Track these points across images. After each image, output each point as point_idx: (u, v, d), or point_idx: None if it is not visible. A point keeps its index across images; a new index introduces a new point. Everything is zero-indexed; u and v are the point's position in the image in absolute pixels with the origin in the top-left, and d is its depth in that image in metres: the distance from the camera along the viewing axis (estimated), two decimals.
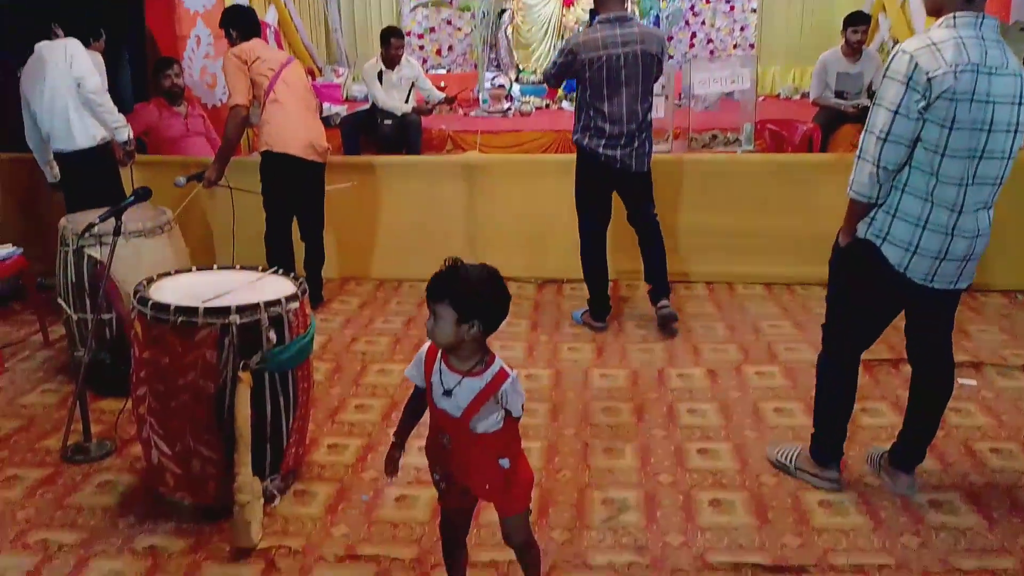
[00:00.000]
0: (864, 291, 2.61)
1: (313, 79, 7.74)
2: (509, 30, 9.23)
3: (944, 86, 2.29)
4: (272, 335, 2.59)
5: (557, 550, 2.52)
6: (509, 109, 7.74)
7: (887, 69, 2.39)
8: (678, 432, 3.25)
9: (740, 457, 3.06)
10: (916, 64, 2.31)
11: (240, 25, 4.38)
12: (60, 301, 3.68)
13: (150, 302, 2.57)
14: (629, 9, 4.06)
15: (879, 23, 8.23)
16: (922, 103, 2.32)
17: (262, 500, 2.63)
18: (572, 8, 9.10)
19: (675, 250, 4.93)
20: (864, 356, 2.77)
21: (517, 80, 8.97)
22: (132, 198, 3.09)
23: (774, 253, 4.90)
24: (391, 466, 2.18)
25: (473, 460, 2.04)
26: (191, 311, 2.52)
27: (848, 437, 2.88)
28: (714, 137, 5.73)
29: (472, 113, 7.70)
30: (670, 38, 10.05)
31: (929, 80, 2.30)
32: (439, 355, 2.01)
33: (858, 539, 2.57)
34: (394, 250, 5.17)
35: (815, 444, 2.87)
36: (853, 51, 6.18)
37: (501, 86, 8.34)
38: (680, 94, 6.00)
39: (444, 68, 9.82)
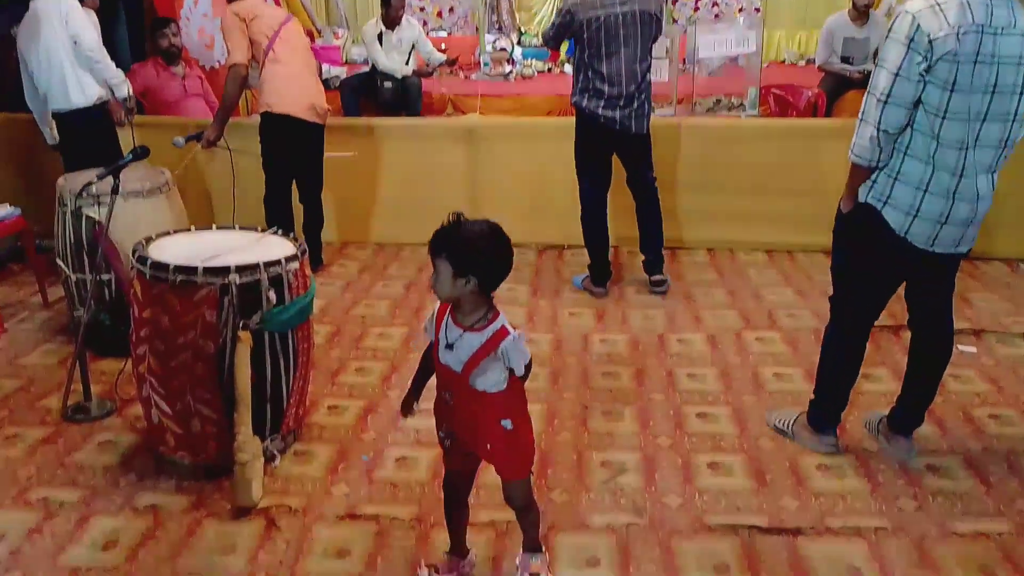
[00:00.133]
0: (866, 257, 2.60)
1: (312, 41, 7.63)
2: None
3: (946, 48, 2.25)
4: (272, 295, 2.57)
5: (556, 511, 2.54)
6: (511, 72, 7.65)
7: (889, 30, 2.35)
8: (677, 396, 3.26)
9: (739, 421, 3.07)
10: (918, 25, 2.27)
11: None
12: (59, 262, 3.67)
13: (149, 261, 2.56)
14: None
15: None
16: (923, 65, 2.28)
17: (262, 459, 2.64)
18: None
19: (676, 216, 4.91)
20: None
21: (519, 43, 8.86)
22: (130, 156, 3.06)
23: (776, 220, 4.88)
24: (406, 408, 2.20)
25: (474, 418, 2.05)
26: (190, 270, 2.50)
27: (848, 403, 2.88)
28: (718, 102, 5.66)
29: (473, 76, 7.62)
30: (674, 1, 9.92)
31: (931, 42, 2.26)
32: (448, 310, 2.02)
33: (855, 502, 2.58)
34: (394, 214, 5.14)
35: (814, 410, 2.88)
36: (860, 15, 6.09)
37: (503, 49, 8.24)
38: (684, 59, 5.93)
39: (445, 31, 9.70)
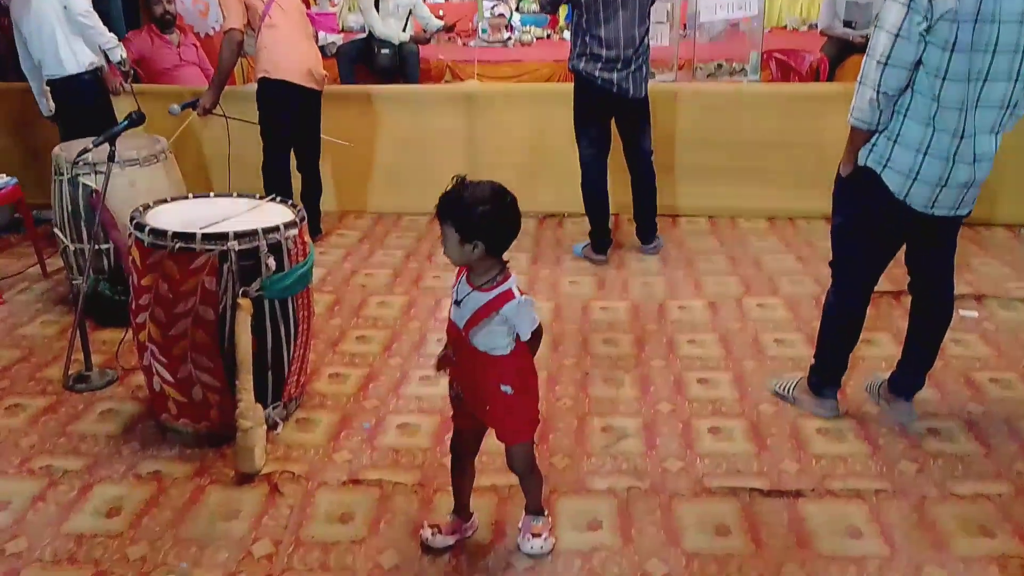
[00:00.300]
0: (865, 220, 2.58)
1: (308, 7, 7.53)
2: None
3: (946, 7, 2.22)
4: (271, 262, 2.56)
5: (557, 475, 2.55)
6: (509, 39, 7.56)
7: None
8: (678, 362, 3.26)
9: (740, 386, 3.07)
10: None
11: None
12: (56, 231, 3.65)
13: (147, 228, 2.54)
14: None
15: None
16: (923, 25, 2.25)
17: (264, 427, 2.64)
18: None
19: (677, 183, 4.89)
20: None
21: (517, 9, 8.73)
22: (126, 122, 3.03)
23: (778, 186, 4.85)
24: (440, 364, 2.19)
25: (475, 377, 2.06)
26: (189, 237, 2.49)
27: (848, 367, 2.88)
28: (719, 67, 5.59)
29: (471, 43, 7.52)
30: None
31: (931, 1, 2.22)
32: (466, 269, 2.03)
33: (855, 465, 2.60)
34: (392, 183, 5.11)
35: (815, 374, 2.88)
36: None
37: (501, 15, 8.12)
38: (685, 23, 5.85)
39: None
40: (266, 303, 2.63)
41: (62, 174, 3.52)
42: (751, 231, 4.75)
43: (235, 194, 3.00)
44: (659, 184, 4.35)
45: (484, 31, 7.52)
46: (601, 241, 4.30)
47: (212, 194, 3.04)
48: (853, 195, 2.57)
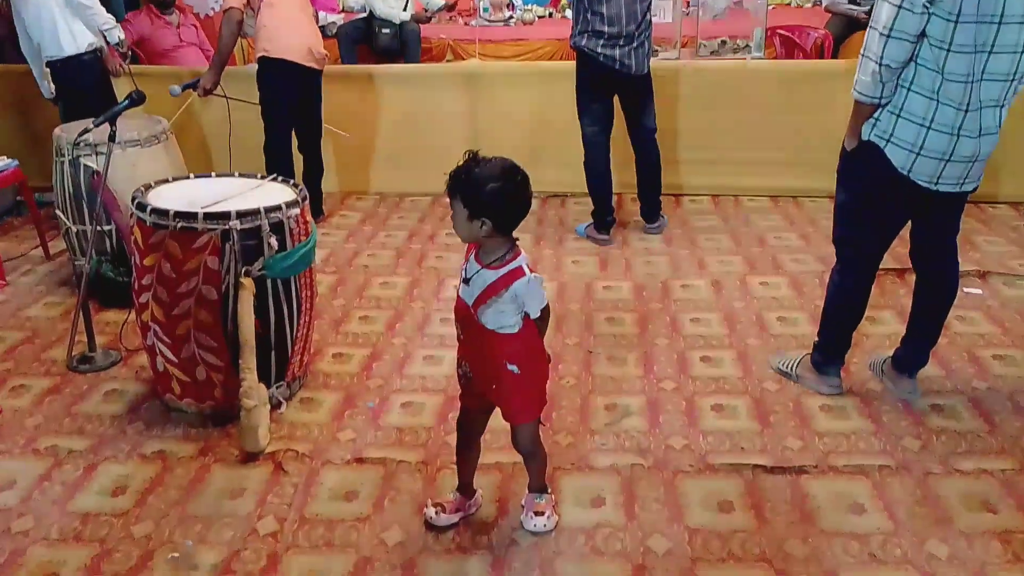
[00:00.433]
0: (870, 196, 2.57)
1: None
2: None
3: None
4: (273, 241, 2.56)
5: (561, 453, 2.55)
6: (511, 18, 7.50)
7: None
8: (681, 341, 3.25)
9: (743, 364, 3.07)
10: None
11: None
12: (58, 213, 3.65)
13: (149, 208, 2.53)
14: None
15: None
16: None
17: (268, 406, 2.65)
18: None
19: (680, 162, 4.86)
20: None
21: None
22: (126, 101, 3.01)
23: (782, 165, 4.82)
24: None
25: (482, 356, 2.05)
26: (191, 216, 2.48)
27: (851, 345, 2.88)
28: (723, 44, 5.54)
29: (472, 22, 7.47)
30: None
31: None
32: (475, 246, 2.02)
33: (859, 442, 2.60)
34: (394, 163, 5.09)
35: (818, 352, 2.87)
36: None
37: None
38: (688, 0, 5.80)
39: None
40: (269, 283, 2.63)
41: (63, 155, 3.51)
42: (754, 210, 4.73)
43: (236, 174, 2.99)
44: (662, 162, 4.33)
45: (486, 10, 7.47)
46: (604, 220, 4.28)
47: (213, 174, 3.03)
48: (857, 171, 2.56)
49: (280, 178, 2.92)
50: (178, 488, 2.44)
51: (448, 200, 1.92)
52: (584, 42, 3.95)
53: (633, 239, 4.34)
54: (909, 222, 2.68)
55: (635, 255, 4.13)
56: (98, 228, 3.36)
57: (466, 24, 7.43)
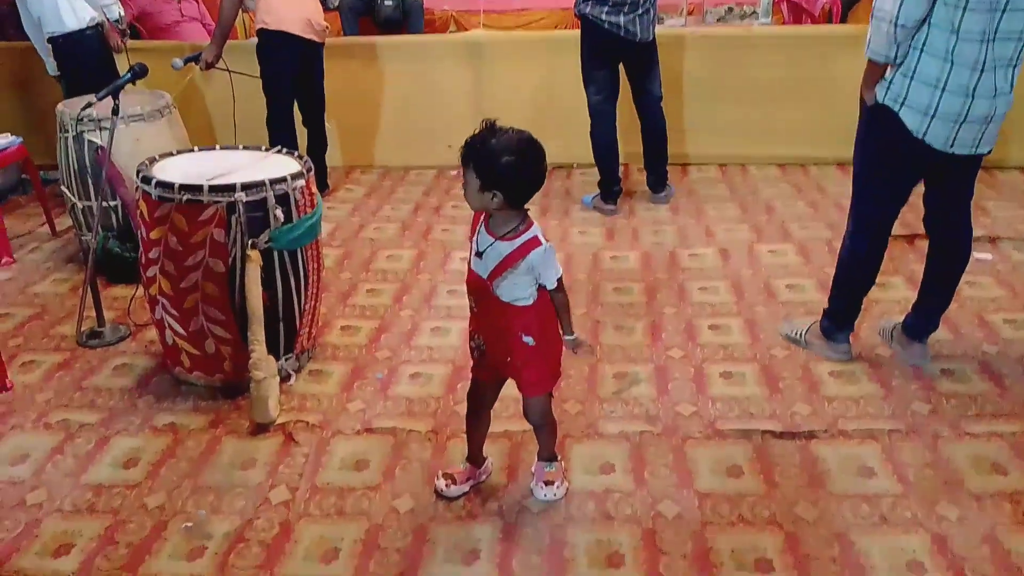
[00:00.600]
0: (884, 160, 2.54)
1: None
2: None
3: None
4: (279, 213, 2.55)
5: (570, 421, 2.56)
6: None
7: None
8: (689, 309, 3.25)
9: (751, 332, 3.06)
10: None
11: None
12: (63, 189, 3.64)
13: (154, 181, 2.53)
14: None
15: None
16: None
17: (278, 378, 2.66)
18: None
19: (687, 130, 4.82)
20: None
21: None
22: (128, 75, 3.00)
23: (789, 132, 4.78)
24: None
25: (497, 328, 2.04)
26: (196, 189, 2.47)
27: (861, 310, 2.87)
28: (730, 10, 5.48)
29: None
30: None
31: None
32: (483, 217, 1.99)
33: (868, 406, 2.59)
34: (398, 137, 5.07)
35: (828, 318, 2.86)
36: None
37: None
38: None
39: None
40: (275, 255, 2.63)
41: (67, 131, 3.50)
42: (762, 178, 4.70)
43: (241, 147, 2.98)
44: (668, 132, 4.29)
45: None
46: (611, 190, 4.26)
47: (218, 147, 3.01)
48: (872, 135, 2.53)
49: (285, 150, 2.91)
50: (190, 460, 2.45)
51: (461, 168, 1.90)
52: (588, 9, 3.91)
53: (640, 209, 4.32)
54: (923, 187, 2.65)
55: (642, 225, 4.12)
56: (104, 203, 3.36)
57: None
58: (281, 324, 2.74)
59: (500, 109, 4.79)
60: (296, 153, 2.89)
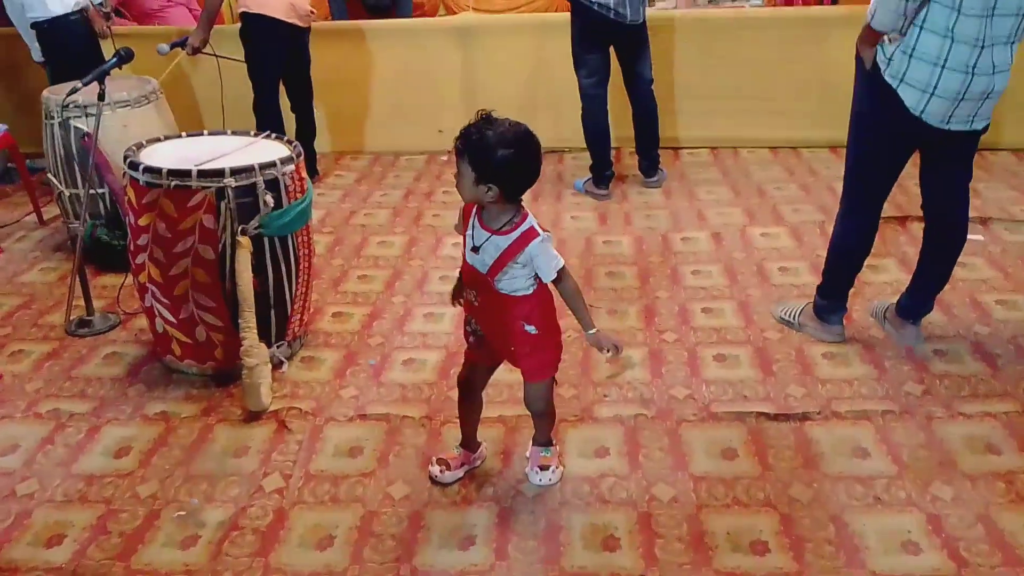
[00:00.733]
0: (880, 136, 2.53)
1: None
2: None
3: None
4: (269, 199, 2.52)
5: (564, 405, 2.55)
6: None
7: None
8: (683, 293, 3.24)
9: (745, 315, 3.06)
10: None
11: None
12: (50, 177, 3.60)
13: (141, 166, 2.49)
14: None
15: None
16: None
17: (270, 365, 2.64)
18: None
19: (678, 114, 4.80)
20: None
21: None
22: (114, 59, 2.95)
23: (781, 114, 4.77)
24: (454, 295, 2.17)
25: (499, 320, 2.03)
26: (184, 174, 2.45)
27: (853, 293, 2.87)
28: None
29: None
30: None
31: None
32: (475, 209, 1.96)
33: (862, 388, 2.60)
34: (388, 122, 5.03)
35: (821, 296, 2.86)
36: None
37: None
38: None
39: None
40: (266, 241, 2.60)
41: (53, 118, 3.46)
42: (754, 161, 4.69)
43: (229, 132, 2.95)
44: (660, 115, 4.27)
45: None
46: (603, 175, 4.24)
47: (206, 132, 2.98)
48: (869, 111, 2.52)
49: (274, 135, 2.88)
50: (182, 448, 2.44)
51: (455, 158, 1.87)
52: None
53: (632, 193, 4.30)
54: (919, 170, 2.64)
55: (634, 209, 4.10)
56: (91, 191, 3.32)
57: None
58: (272, 311, 2.72)
59: (491, 93, 4.83)
60: (285, 138, 2.86)
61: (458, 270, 2.16)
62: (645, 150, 4.32)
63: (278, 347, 2.79)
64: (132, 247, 2.66)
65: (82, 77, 3.03)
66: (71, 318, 3.13)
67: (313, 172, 4.58)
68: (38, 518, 2.18)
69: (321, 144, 4.74)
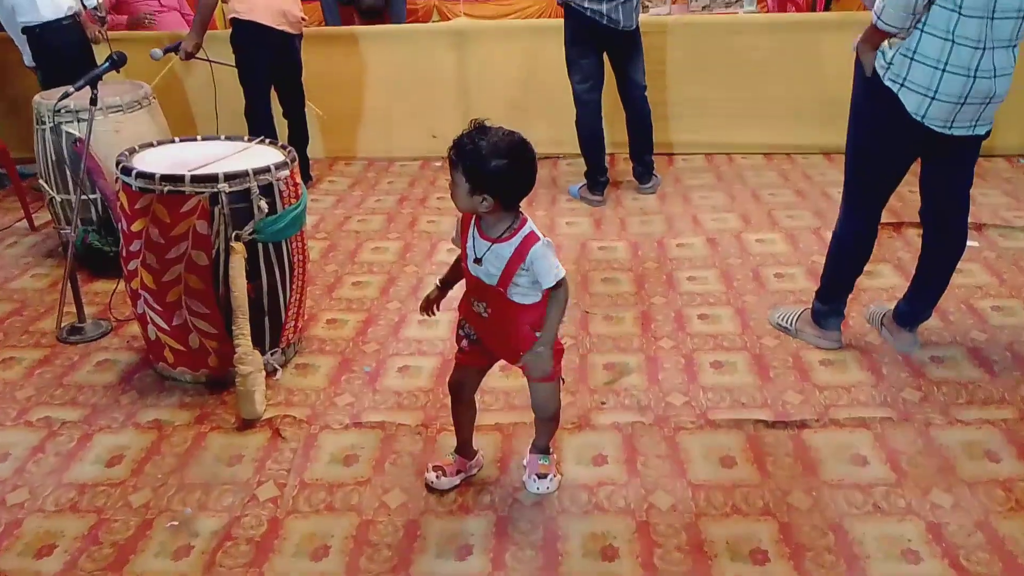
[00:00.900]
0: (880, 140, 2.51)
1: None
2: None
3: None
4: (263, 204, 2.50)
5: (562, 412, 2.52)
6: None
7: None
8: (678, 298, 3.23)
9: (741, 320, 3.05)
10: None
11: None
12: (41, 182, 3.57)
13: (134, 171, 2.47)
14: None
15: None
16: None
17: (264, 372, 2.61)
18: None
19: (671, 119, 4.81)
20: None
21: None
22: (107, 64, 2.93)
23: (775, 120, 4.78)
24: (426, 304, 2.15)
25: (506, 329, 2.01)
26: (177, 179, 2.42)
27: (850, 298, 2.85)
28: None
29: None
30: None
31: None
32: (473, 219, 1.94)
33: (859, 394, 2.59)
34: (382, 127, 5.02)
35: (819, 300, 2.85)
36: None
37: None
38: None
39: None
40: (260, 247, 2.58)
41: (44, 123, 3.42)
42: (748, 167, 4.69)
43: (223, 137, 2.93)
44: (654, 121, 4.27)
45: None
46: (597, 181, 4.23)
47: (199, 137, 2.96)
48: (869, 115, 2.51)
49: (268, 140, 2.86)
50: (175, 456, 2.41)
51: (449, 168, 1.85)
52: None
53: (627, 199, 4.30)
54: (919, 177, 2.63)
55: (629, 214, 4.10)
56: (83, 197, 3.30)
57: None
58: (266, 317, 2.70)
59: (485, 99, 4.82)
60: (280, 143, 2.84)
61: (437, 279, 2.15)
62: (639, 155, 4.32)
63: (272, 354, 2.77)
64: (124, 253, 2.63)
65: (74, 82, 3.01)
66: (63, 325, 3.09)
67: (307, 178, 4.56)
68: (29, 527, 2.15)
69: (315, 149, 4.72)
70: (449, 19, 6.14)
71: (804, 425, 2.45)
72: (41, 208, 4.06)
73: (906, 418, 2.46)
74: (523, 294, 1.95)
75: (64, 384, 2.79)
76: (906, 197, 2.63)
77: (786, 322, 2.95)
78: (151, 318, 2.66)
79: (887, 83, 2.40)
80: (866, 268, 2.82)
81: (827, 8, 5.83)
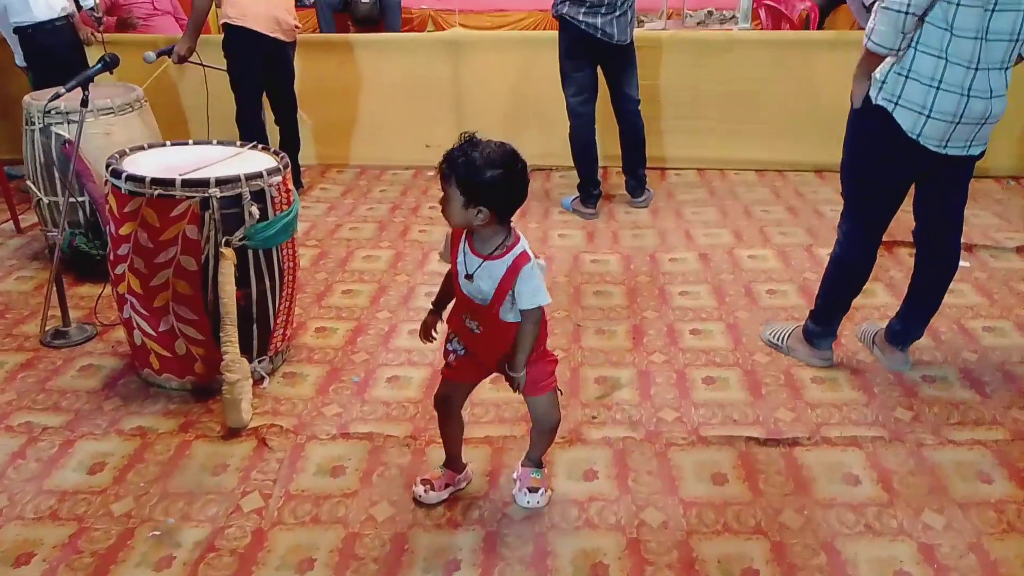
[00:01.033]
0: (877, 161, 2.51)
1: None
2: None
3: None
4: (255, 210, 2.47)
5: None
6: None
7: None
8: (671, 313, 3.22)
9: (733, 336, 3.04)
10: None
11: None
12: (29, 184, 3.53)
13: (124, 174, 2.44)
14: None
15: None
16: None
17: (251, 380, 2.58)
18: None
19: (665, 134, 4.81)
20: None
21: None
22: (99, 65, 2.90)
23: (767, 137, 4.79)
24: (424, 331, 2.12)
25: (499, 347, 1.98)
26: (168, 183, 2.39)
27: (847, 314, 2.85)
28: (709, 14, 5.49)
29: None
30: None
31: None
32: (464, 235, 1.92)
33: (851, 413, 2.57)
34: (375, 135, 5.00)
35: (813, 322, 2.84)
36: None
37: None
38: None
39: None
40: (250, 253, 2.55)
41: (33, 124, 3.39)
42: (740, 183, 4.70)
43: (215, 141, 2.90)
44: (647, 135, 4.27)
45: None
46: (591, 193, 4.23)
47: (191, 141, 2.93)
48: (864, 135, 2.51)
49: (260, 146, 2.84)
50: (159, 464, 2.37)
51: (440, 183, 1.83)
52: (566, 10, 3.89)
53: (619, 212, 4.29)
54: (913, 198, 2.63)
55: (622, 228, 4.09)
56: (71, 199, 3.26)
57: None
58: (255, 324, 2.67)
59: (478, 109, 4.81)
60: (272, 149, 2.81)
61: (431, 302, 2.12)
62: (632, 169, 4.32)
63: (260, 362, 2.73)
64: (112, 257, 2.59)
65: (65, 83, 2.98)
66: (47, 328, 3.05)
67: (298, 184, 4.53)
68: (7, 535, 2.10)
69: (307, 156, 4.70)
70: (444, 29, 6.14)
71: (796, 443, 2.43)
72: (28, 210, 4.01)
73: (898, 437, 2.45)
74: (515, 315, 1.92)
75: (47, 389, 2.75)
76: (899, 217, 2.63)
77: (777, 339, 2.94)
78: (137, 323, 2.62)
79: (881, 102, 2.40)
80: None
81: (820, 26, 5.87)
